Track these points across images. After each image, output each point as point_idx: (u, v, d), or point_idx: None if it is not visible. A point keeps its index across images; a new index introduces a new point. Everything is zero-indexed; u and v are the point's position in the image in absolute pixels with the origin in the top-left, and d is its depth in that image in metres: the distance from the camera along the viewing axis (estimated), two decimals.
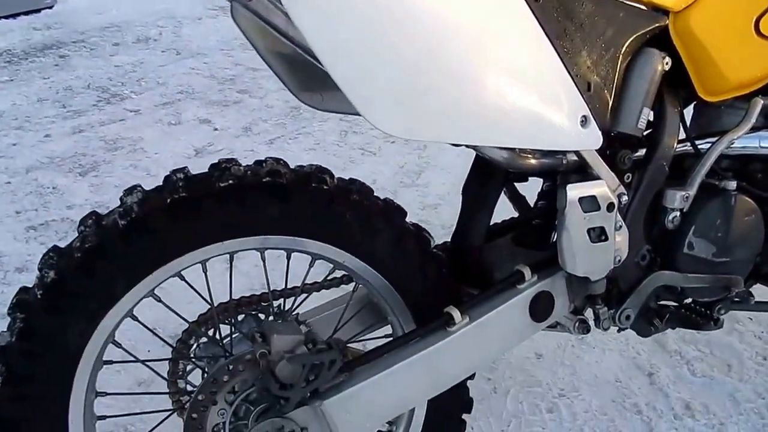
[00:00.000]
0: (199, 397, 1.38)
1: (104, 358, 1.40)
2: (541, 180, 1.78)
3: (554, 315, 1.55)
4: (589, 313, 1.68)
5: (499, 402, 2.18)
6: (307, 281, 1.62)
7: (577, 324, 1.65)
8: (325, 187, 1.41)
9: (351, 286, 1.63)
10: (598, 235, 1.49)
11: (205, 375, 1.47)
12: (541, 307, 1.52)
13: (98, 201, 3.23)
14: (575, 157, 1.49)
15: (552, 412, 2.17)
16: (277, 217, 1.38)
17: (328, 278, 1.69)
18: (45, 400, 1.31)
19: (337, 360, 1.35)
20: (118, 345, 1.43)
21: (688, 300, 1.73)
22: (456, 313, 1.44)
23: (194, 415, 1.39)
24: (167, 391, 1.57)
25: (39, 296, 1.27)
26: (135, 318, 1.40)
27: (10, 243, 2.93)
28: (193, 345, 1.61)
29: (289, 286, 1.62)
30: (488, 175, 1.64)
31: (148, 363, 1.50)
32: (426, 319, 1.48)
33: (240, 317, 1.64)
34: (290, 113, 4.30)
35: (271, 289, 1.57)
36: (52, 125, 3.96)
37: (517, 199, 1.90)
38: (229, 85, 4.65)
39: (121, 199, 1.36)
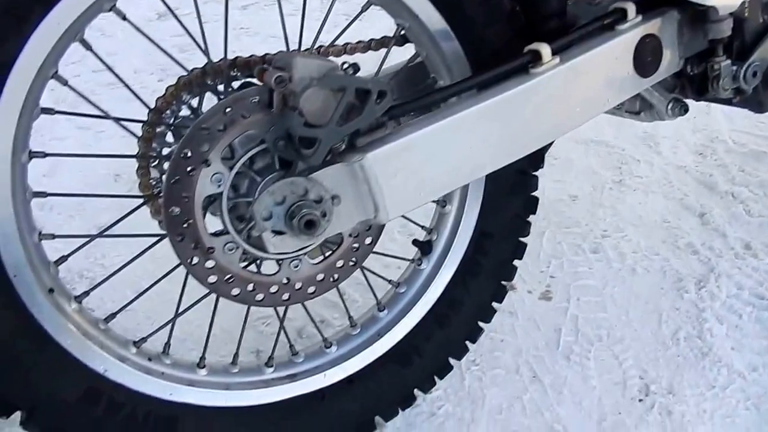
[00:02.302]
0: (183, 153, 0.97)
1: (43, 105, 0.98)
2: None
3: (661, 70, 1.17)
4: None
5: (533, 242, 1.81)
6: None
7: (671, 104, 1.29)
8: None
9: (381, 54, 1.21)
10: None
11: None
12: (646, 56, 1.14)
13: None
14: None
15: (597, 252, 1.83)
16: None
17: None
18: None
19: (387, 93, 0.95)
20: (65, 83, 0.99)
21: None
22: (544, 49, 1.05)
23: (176, 178, 0.97)
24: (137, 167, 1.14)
25: None
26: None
27: None
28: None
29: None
30: None
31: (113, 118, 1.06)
32: None
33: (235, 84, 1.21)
34: None
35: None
36: None
37: None
38: None
39: None
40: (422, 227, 1.31)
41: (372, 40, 1.29)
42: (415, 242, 1.29)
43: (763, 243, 1.87)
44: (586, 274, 1.75)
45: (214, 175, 0.99)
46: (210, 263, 1.02)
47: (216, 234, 1.03)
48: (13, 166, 0.94)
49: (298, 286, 1.10)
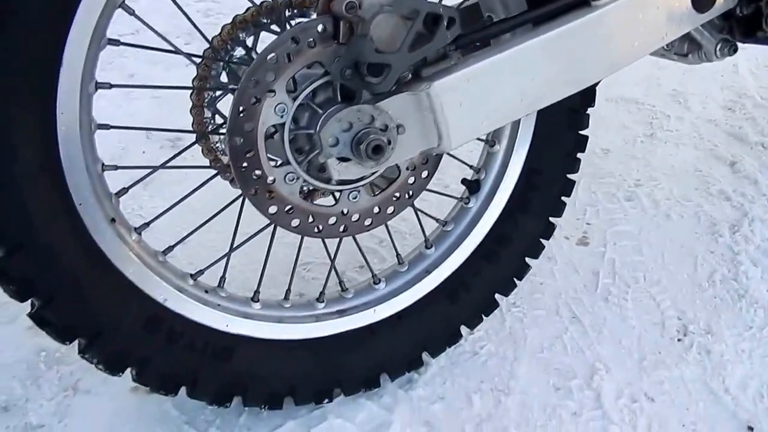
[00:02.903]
0: (252, 81, 0.96)
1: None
2: None
3: (717, 6, 1.17)
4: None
5: None
6: None
7: (720, 45, 1.28)
8: None
9: None
10: None
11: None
12: None
13: None
14: None
15: (631, 200, 1.84)
16: None
17: None
18: None
19: (457, 19, 0.95)
20: (131, 12, 0.99)
21: None
22: None
23: (241, 108, 0.97)
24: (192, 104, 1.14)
25: None
26: None
27: None
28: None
29: None
30: None
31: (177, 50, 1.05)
32: None
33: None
34: None
35: None
36: None
37: None
38: None
39: None
40: (470, 166, 1.32)
41: None
42: (464, 181, 1.30)
43: None
44: (621, 221, 1.77)
45: (278, 105, 0.99)
46: (271, 193, 1.03)
47: (277, 165, 1.03)
48: (81, 97, 0.94)
49: (355, 218, 1.11)
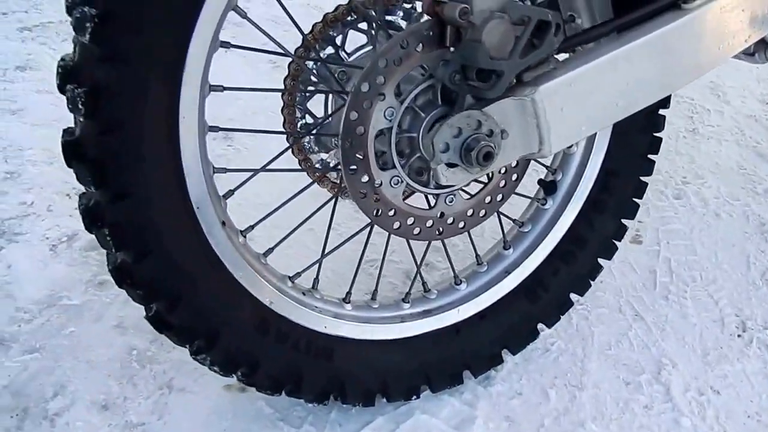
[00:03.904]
0: (363, 88, 1.00)
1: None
2: None
3: None
4: None
5: None
6: None
7: None
8: None
9: None
10: None
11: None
12: None
13: None
14: None
15: (680, 198, 1.89)
16: None
17: None
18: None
19: (561, 25, 0.98)
20: (244, 15, 1.02)
21: None
22: None
23: (354, 114, 1.01)
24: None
25: None
26: None
27: (4, 42, 2.41)
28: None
29: None
30: None
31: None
32: None
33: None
34: None
35: None
36: None
37: None
38: None
39: None
40: (546, 167, 1.35)
41: None
42: (540, 182, 1.34)
43: None
44: (672, 219, 1.81)
45: (387, 108, 1.02)
46: (377, 196, 1.06)
47: (383, 168, 1.06)
48: (200, 100, 0.96)
49: (450, 221, 1.15)
